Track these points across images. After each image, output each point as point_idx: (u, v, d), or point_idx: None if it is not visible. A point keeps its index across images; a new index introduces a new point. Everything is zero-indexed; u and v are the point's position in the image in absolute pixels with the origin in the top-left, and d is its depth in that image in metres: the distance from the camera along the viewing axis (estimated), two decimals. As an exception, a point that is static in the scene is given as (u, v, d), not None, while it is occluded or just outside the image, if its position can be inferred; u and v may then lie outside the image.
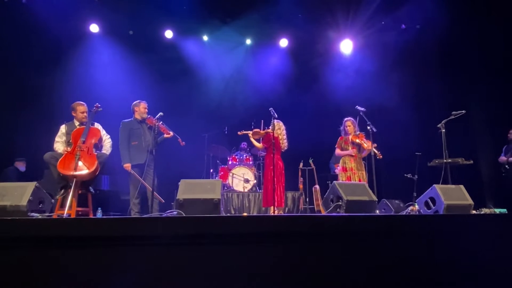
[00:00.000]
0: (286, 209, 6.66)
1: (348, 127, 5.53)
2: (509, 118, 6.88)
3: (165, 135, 5.02)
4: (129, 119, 5.11)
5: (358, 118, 5.52)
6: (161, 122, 4.83)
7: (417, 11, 7.48)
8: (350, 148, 5.47)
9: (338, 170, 5.94)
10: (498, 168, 6.87)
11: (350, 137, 5.47)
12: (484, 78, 7.43)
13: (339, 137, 5.66)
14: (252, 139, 5.67)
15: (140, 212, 4.85)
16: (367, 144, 5.26)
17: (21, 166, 7.10)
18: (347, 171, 5.44)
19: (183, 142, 5.15)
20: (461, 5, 7.22)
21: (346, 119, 5.62)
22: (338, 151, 5.63)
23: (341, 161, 5.61)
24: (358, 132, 5.45)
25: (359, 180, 5.25)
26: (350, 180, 5.29)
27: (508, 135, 6.76)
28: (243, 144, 7.78)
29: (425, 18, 7.61)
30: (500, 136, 6.93)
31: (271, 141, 5.13)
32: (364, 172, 5.40)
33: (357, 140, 5.36)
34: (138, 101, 5.16)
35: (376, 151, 5.19)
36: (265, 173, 5.49)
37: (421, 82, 8.03)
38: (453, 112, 5.10)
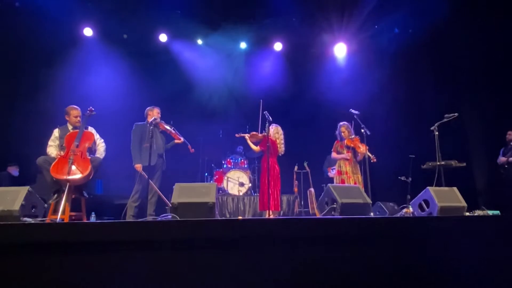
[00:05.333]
0: (281, 212, 6.65)
1: (342, 133, 5.57)
2: (502, 121, 6.93)
3: (176, 141, 5.12)
4: (142, 122, 5.15)
5: (353, 122, 5.55)
6: (172, 128, 4.98)
7: (410, 15, 7.55)
8: (345, 151, 5.51)
9: (333, 173, 5.97)
10: (491, 170, 6.91)
11: (345, 141, 5.51)
12: (476, 81, 7.50)
13: (336, 141, 5.69)
14: (249, 142, 5.66)
15: (135, 216, 4.82)
16: (362, 148, 5.29)
17: (14, 170, 7.03)
18: (342, 174, 5.48)
19: (193, 149, 5.21)
20: (453, 9, 7.30)
21: (340, 124, 5.65)
22: (334, 155, 5.67)
23: (336, 164, 5.65)
24: (353, 136, 5.48)
25: (354, 183, 5.27)
26: (345, 183, 5.31)
27: (507, 136, 6.69)
28: (238, 148, 7.78)
29: (417, 22, 7.69)
30: (493, 138, 6.98)
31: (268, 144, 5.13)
32: (359, 176, 5.43)
33: (352, 144, 5.41)
34: (152, 106, 5.24)
35: (370, 155, 5.22)
36: (261, 177, 5.48)
37: (414, 84, 8.10)
38: (446, 115, 5.14)
